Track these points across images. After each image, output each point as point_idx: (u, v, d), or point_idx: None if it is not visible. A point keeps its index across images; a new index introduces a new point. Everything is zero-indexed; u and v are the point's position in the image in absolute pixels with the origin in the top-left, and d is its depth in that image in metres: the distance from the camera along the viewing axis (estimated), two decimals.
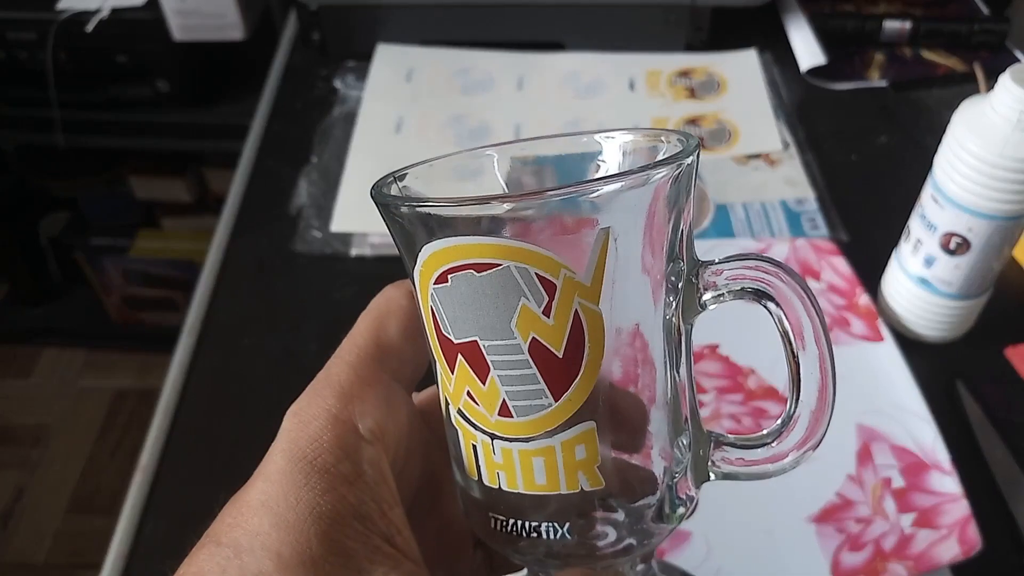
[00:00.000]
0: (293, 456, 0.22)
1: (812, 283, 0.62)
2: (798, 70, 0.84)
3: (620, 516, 0.23)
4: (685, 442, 0.24)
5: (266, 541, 0.20)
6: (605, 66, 0.86)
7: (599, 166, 0.25)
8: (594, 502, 0.23)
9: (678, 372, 0.23)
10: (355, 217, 0.71)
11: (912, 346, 0.59)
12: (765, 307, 0.22)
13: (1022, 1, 0.95)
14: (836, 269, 0.63)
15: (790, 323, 0.22)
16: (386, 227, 0.23)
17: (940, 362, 0.58)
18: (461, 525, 0.26)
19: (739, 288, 0.22)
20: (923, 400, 0.54)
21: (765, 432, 0.23)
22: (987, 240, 0.53)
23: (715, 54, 0.86)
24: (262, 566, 0.20)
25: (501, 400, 0.22)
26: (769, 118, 0.79)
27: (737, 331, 0.57)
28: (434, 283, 0.21)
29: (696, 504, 0.25)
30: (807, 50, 0.85)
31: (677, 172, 0.21)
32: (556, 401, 0.21)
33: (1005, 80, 0.49)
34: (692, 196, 0.22)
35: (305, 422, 0.23)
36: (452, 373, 0.22)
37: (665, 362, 0.23)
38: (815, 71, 0.84)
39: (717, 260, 0.23)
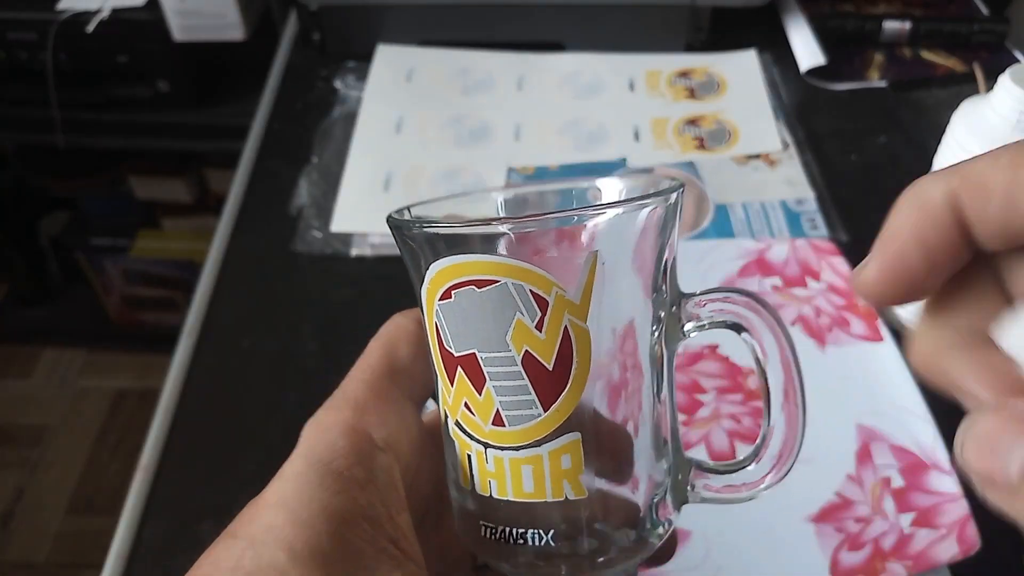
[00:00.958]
0: (310, 460, 0.24)
1: (812, 283, 0.63)
2: (798, 70, 0.85)
3: (601, 527, 0.25)
4: (665, 466, 0.26)
5: (280, 535, 0.21)
6: (605, 66, 0.86)
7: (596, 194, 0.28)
8: (578, 512, 0.24)
9: (659, 397, 0.25)
10: (355, 217, 0.71)
11: None
12: (743, 338, 0.25)
13: (1022, 1, 0.95)
14: (836, 269, 0.63)
15: (762, 352, 0.24)
16: (400, 253, 0.25)
17: None
18: (462, 545, 0.27)
19: (720, 320, 0.25)
20: (923, 400, 0.54)
21: (742, 458, 0.25)
22: None
23: (715, 54, 0.86)
24: (275, 557, 0.21)
25: (495, 410, 0.23)
26: (769, 118, 0.79)
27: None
28: (439, 299, 0.23)
29: (673, 526, 0.26)
30: (807, 50, 0.85)
31: (663, 207, 0.23)
32: (545, 412, 0.23)
33: (1005, 80, 0.49)
34: (676, 233, 0.25)
35: (322, 431, 0.25)
36: (452, 386, 0.24)
37: (649, 386, 0.25)
38: (815, 71, 0.84)
39: (698, 293, 0.25)
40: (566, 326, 0.23)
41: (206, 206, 1.45)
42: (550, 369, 0.23)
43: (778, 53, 0.87)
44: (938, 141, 0.54)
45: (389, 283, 0.67)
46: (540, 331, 0.22)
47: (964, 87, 0.80)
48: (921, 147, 0.73)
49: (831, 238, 0.67)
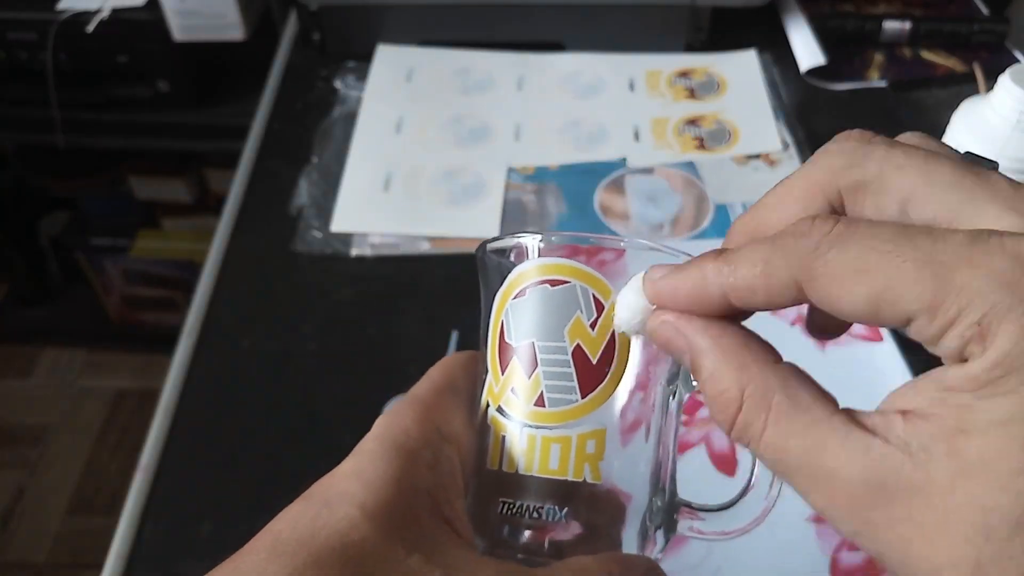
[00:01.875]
0: (384, 441, 0.26)
1: None
2: (798, 70, 0.85)
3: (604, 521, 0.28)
4: (659, 504, 0.29)
5: (353, 498, 0.24)
6: (605, 66, 0.86)
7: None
8: (592, 496, 0.27)
9: (666, 434, 0.29)
10: (355, 217, 0.71)
11: (912, 346, 0.59)
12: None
13: (1022, 1, 0.95)
14: None
15: None
16: (479, 278, 0.30)
17: (940, 362, 0.58)
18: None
19: None
20: None
21: (727, 501, 0.29)
22: None
23: (715, 54, 0.86)
24: (349, 512, 0.23)
25: (540, 392, 0.27)
26: (769, 118, 0.79)
27: None
28: (513, 298, 0.28)
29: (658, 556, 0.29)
30: (807, 50, 0.85)
31: None
32: (582, 398, 0.27)
33: (1005, 80, 0.49)
34: None
35: (396, 419, 0.27)
36: (502, 375, 0.28)
37: (657, 423, 0.28)
38: (815, 71, 0.84)
39: None
40: (614, 331, 0.27)
41: (206, 206, 1.45)
42: (594, 363, 0.27)
43: (778, 53, 0.87)
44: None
45: (389, 283, 0.67)
46: (593, 329, 0.27)
47: (964, 87, 0.80)
48: None
49: None
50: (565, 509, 0.27)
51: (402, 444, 0.26)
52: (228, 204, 0.75)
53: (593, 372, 0.27)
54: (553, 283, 0.28)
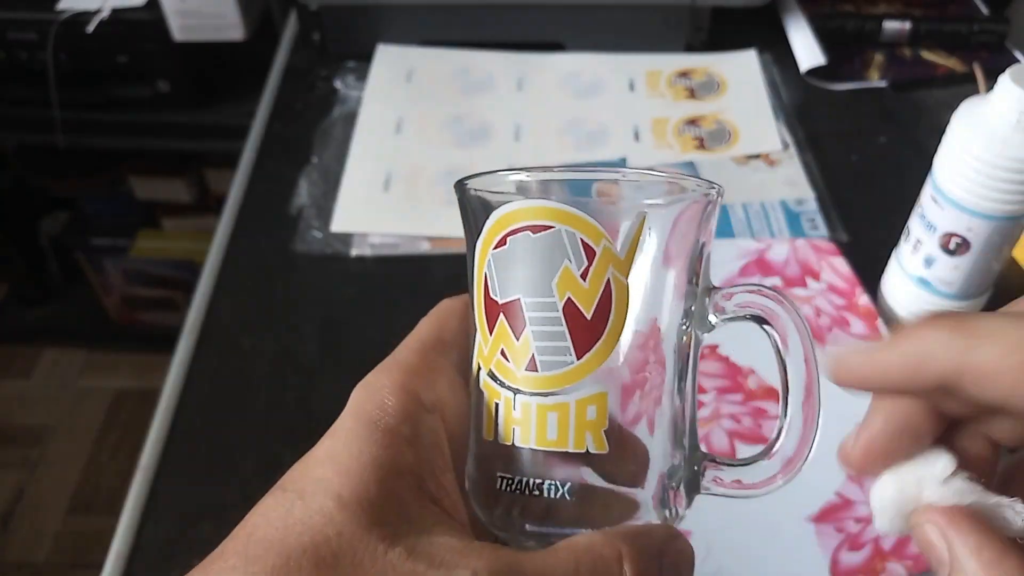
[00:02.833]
0: (359, 418, 0.24)
1: (812, 283, 0.63)
2: (798, 70, 0.85)
3: (618, 489, 0.25)
4: (678, 459, 0.26)
5: (329, 486, 0.22)
6: (605, 66, 0.86)
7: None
8: (596, 468, 0.25)
9: (683, 384, 0.26)
10: (355, 217, 0.71)
11: None
12: (765, 330, 0.25)
13: (1022, 1, 0.95)
14: (836, 269, 0.63)
15: (784, 345, 0.25)
16: (461, 215, 0.27)
17: None
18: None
19: (744, 314, 0.26)
20: None
21: (756, 453, 0.26)
22: (987, 240, 0.53)
23: (715, 54, 0.86)
24: (323, 505, 0.22)
25: (531, 355, 0.24)
26: (769, 118, 0.79)
27: (737, 332, 0.57)
28: (494, 248, 0.25)
29: (682, 516, 0.27)
30: (807, 50, 0.85)
31: (708, 198, 0.25)
32: (578, 360, 0.24)
33: (1005, 80, 0.49)
34: (713, 229, 0.26)
35: (372, 391, 0.25)
36: (490, 335, 0.25)
37: (672, 373, 0.25)
38: (815, 71, 0.84)
39: (727, 287, 0.26)
40: (609, 278, 0.24)
41: (206, 206, 1.45)
42: (588, 318, 0.24)
43: (778, 53, 0.87)
44: (938, 141, 0.54)
45: (389, 283, 0.67)
46: (584, 280, 0.24)
47: (964, 87, 0.80)
48: (921, 147, 0.73)
49: (831, 238, 0.67)
50: (568, 484, 0.24)
51: (378, 421, 0.24)
52: (228, 204, 0.75)
53: (588, 329, 0.24)
54: (535, 229, 0.24)
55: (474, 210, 0.26)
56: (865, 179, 0.74)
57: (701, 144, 0.77)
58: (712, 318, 0.26)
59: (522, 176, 0.26)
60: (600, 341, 0.24)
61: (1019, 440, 0.24)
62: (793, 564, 0.48)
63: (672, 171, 0.26)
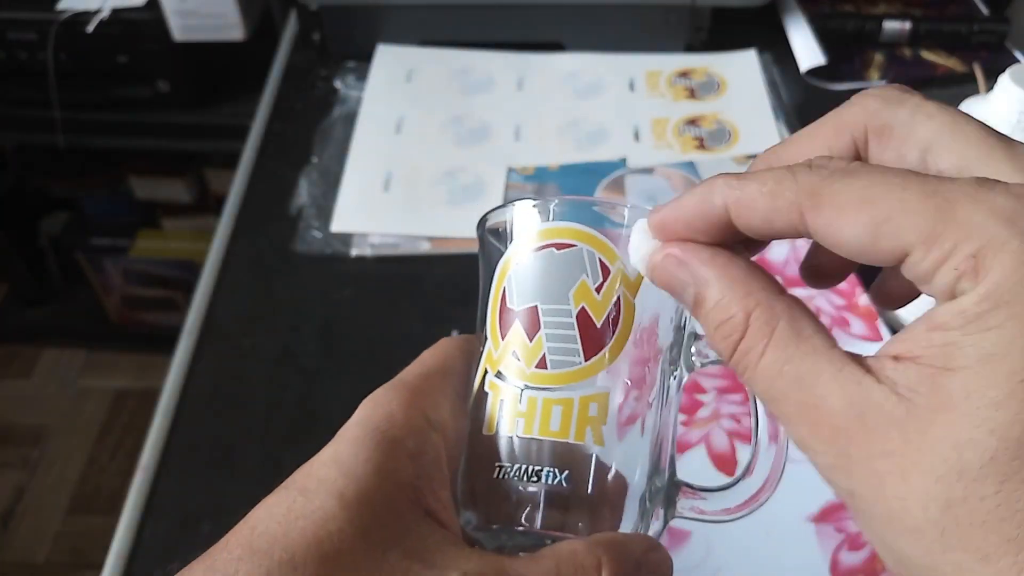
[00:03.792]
0: (367, 427, 0.25)
1: None
2: (798, 70, 0.85)
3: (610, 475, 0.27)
4: (659, 483, 0.28)
5: (332, 486, 0.23)
6: (605, 66, 0.86)
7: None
8: (592, 460, 0.27)
9: (666, 412, 0.28)
10: (355, 217, 0.71)
11: None
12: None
13: (1022, 1, 0.95)
14: None
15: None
16: (479, 254, 0.30)
17: None
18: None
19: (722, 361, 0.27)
20: None
21: (728, 480, 0.28)
22: None
23: (715, 54, 0.86)
24: (325, 502, 0.23)
25: (542, 354, 0.27)
26: (769, 118, 0.79)
27: None
28: (517, 263, 0.28)
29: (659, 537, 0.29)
30: (807, 50, 0.85)
31: None
32: (585, 361, 0.26)
33: (1005, 80, 0.49)
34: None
35: (380, 404, 0.26)
36: (502, 340, 0.27)
37: (658, 395, 0.28)
38: (815, 71, 0.84)
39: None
40: (619, 296, 0.27)
41: (206, 206, 1.45)
42: (598, 326, 0.27)
43: (778, 53, 0.87)
44: None
45: (389, 283, 0.67)
46: (598, 293, 0.27)
47: (964, 87, 0.80)
48: None
49: None
50: (566, 472, 0.26)
51: (385, 431, 0.25)
52: (228, 204, 0.75)
53: (597, 335, 0.27)
54: (559, 247, 0.27)
55: (498, 238, 0.29)
56: None
57: (701, 144, 0.77)
58: (696, 361, 0.29)
59: (553, 202, 0.28)
60: (607, 347, 0.27)
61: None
62: (793, 564, 0.48)
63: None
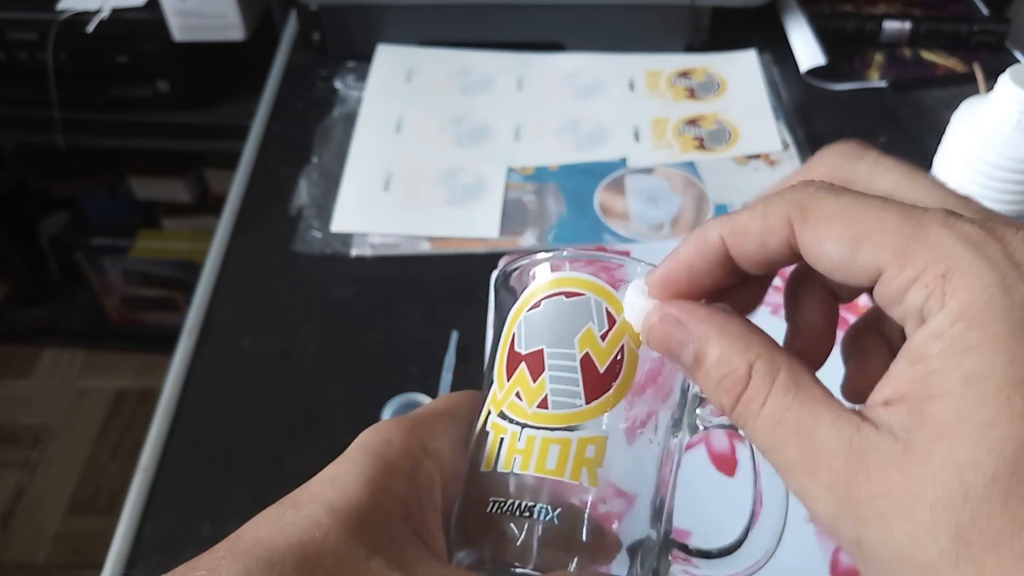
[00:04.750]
0: (364, 449, 0.26)
1: None
2: (798, 70, 0.85)
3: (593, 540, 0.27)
4: (654, 536, 0.28)
5: (322, 498, 0.24)
6: (605, 66, 0.86)
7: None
8: (586, 501, 0.27)
9: (665, 469, 0.28)
10: (355, 217, 0.71)
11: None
12: (745, 444, 0.28)
13: (1022, 1, 0.95)
14: None
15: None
16: (493, 305, 0.29)
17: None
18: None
19: (726, 424, 0.28)
20: None
21: (723, 547, 0.28)
22: None
23: (715, 54, 0.86)
24: (314, 511, 0.23)
25: (544, 395, 0.27)
26: (769, 118, 0.79)
27: None
28: (528, 310, 0.29)
29: None
30: (807, 50, 0.85)
31: None
32: (587, 404, 0.27)
33: (1005, 80, 0.49)
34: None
35: (380, 431, 0.27)
36: (507, 381, 0.28)
37: (659, 450, 0.28)
38: (815, 71, 0.84)
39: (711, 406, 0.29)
40: (623, 344, 0.27)
41: (206, 206, 1.45)
42: (601, 372, 0.27)
43: (778, 53, 0.87)
44: (938, 141, 0.54)
45: (389, 283, 0.67)
46: (603, 341, 0.27)
47: (964, 87, 0.80)
48: (921, 147, 0.73)
49: None
50: (558, 510, 0.26)
51: (380, 452, 0.26)
52: (228, 204, 0.75)
53: (599, 381, 0.27)
54: (568, 295, 0.28)
55: (511, 289, 0.30)
56: None
57: (701, 144, 0.77)
58: (700, 424, 0.29)
59: (565, 253, 0.30)
60: (608, 393, 0.27)
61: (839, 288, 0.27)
62: (793, 564, 0.48)
63: None
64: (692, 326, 0.24)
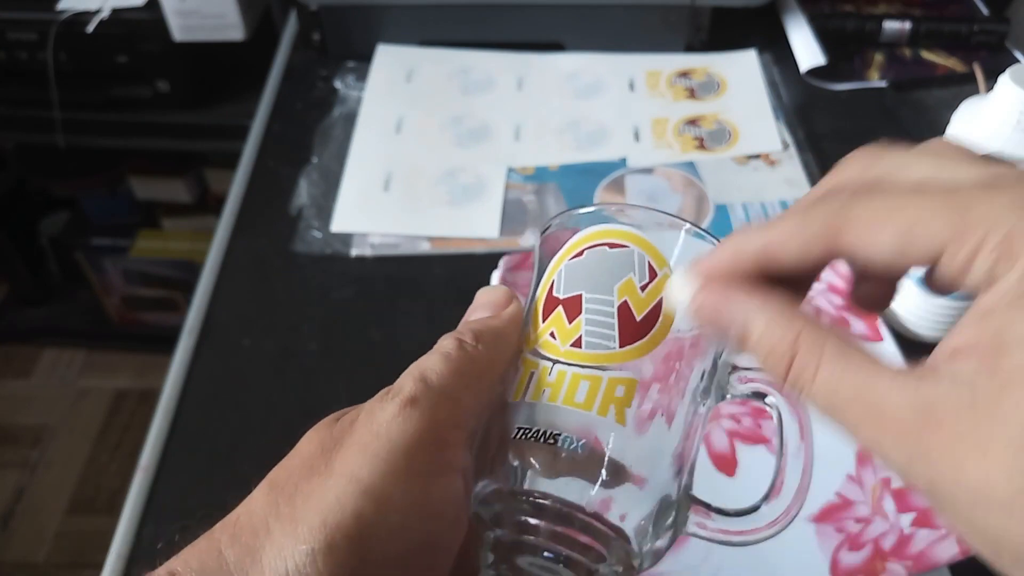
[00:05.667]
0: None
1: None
2: (798, 70, 0.85)
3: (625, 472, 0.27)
4: (674, 496, 0.28)
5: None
6: (605, 66, 0.86)
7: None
8: (610, 438, 0.27)
9: (690, 430, 0.28)
10: (355, 217, 0.71)
11: (912, 346, 0.59)
12: (768, 405, 0.28)
13: (1022, 1, 0.95)
14: (835, 269, 0.63)
15: (783, 420, 0.28)
16: (535, 258, 0.31)
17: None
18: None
19: (752, 392, 0.29)
20: None
21: (745, 506, 0.29)
22: None
23: (715, 54, 0.86)
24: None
25: (578, 335, 0.28)
26: (769, 118, 0.79)
27: None
28: (570, 258, 0.29)
29: (663, 554, 0.29)
30: (807, 50, 0.85)
31: None
32: (619, 348, 0.27)
33: (1005, 80, 0.49)
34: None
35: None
36: (542, 323, 0.29)
37: (687, 407, 0.28)
38: (815, 71, 0.84)
39: (743, 369, 0.29)
40: (662, 299, 0.28)
41: (206, 206, 1.45)
42: (638, 320, 0.28)
43: (778, 53, 0.87)
44: None
45: (389, 283, 0.67)
46: (642, 292, 0.28)
47: (964, 87, 0.80)
48: None
49: None
50: (583, 440, 0.27)
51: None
52: (228, 204, 0.75)
53: (635, 328, 0.28)
54: (612, 246, 0.29)
55: (555, 238, 0.30)
56: None
57: (701, 144, 0.77)
58: (728, 392, 0.29)
59: (614, 207, 0.30)
60: (642, 340, 0.27)
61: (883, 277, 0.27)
62: (793, 564, 0.48)
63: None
64: (738, 300, 0.24)
